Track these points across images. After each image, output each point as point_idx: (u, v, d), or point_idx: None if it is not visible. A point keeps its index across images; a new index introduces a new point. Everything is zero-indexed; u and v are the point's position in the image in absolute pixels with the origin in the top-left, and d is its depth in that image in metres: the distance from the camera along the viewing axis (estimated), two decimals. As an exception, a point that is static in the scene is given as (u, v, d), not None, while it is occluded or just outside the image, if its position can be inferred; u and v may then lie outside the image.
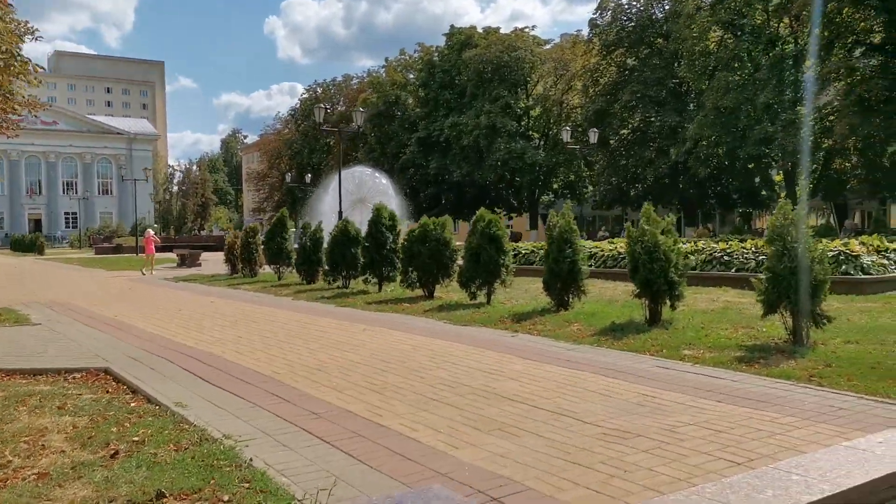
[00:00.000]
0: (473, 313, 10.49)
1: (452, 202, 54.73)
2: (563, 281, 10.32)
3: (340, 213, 24.83)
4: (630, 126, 41.66)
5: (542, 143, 52.01)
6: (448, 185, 53.63)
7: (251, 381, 6.35)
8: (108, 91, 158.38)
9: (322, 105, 26.36)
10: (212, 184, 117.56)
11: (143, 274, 23.01)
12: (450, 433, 4.77)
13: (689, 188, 39.13)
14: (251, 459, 4.18)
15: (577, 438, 4.62)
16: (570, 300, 10.48)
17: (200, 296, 14.81)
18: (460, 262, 12.54)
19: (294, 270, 17.96)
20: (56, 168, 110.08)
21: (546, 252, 10.66)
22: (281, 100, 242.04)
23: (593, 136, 33.91)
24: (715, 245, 15.17)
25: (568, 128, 36.19)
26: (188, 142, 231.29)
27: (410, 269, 12.93)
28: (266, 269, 19.52)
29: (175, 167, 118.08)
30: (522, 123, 51.90)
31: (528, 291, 13.70)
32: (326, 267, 15.85)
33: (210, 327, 9.80)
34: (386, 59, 61.51)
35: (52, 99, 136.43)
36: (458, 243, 13.81)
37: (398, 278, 13.30)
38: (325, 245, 16.85)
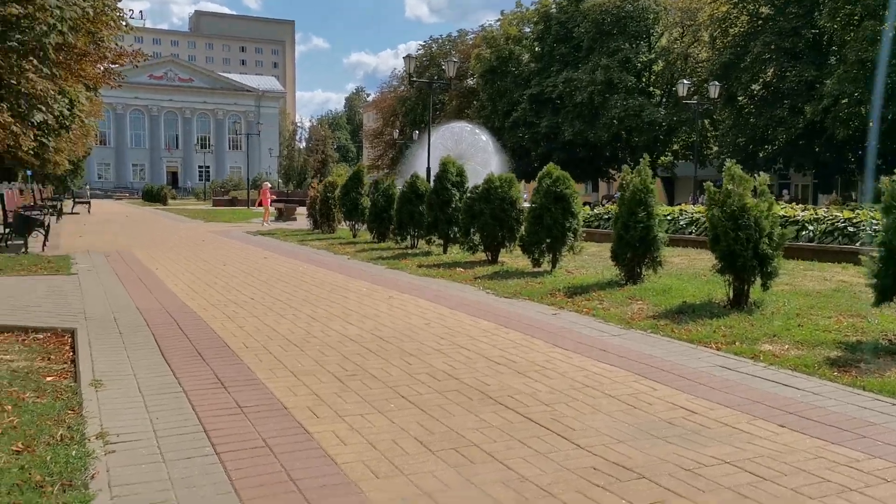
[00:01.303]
0: (527, 283, 9.12)
1: (563, 162, 52.32)
2: (633, 250, 8.74)
3: (429, 170, 23.74)
4: (761, 81, 37.75)
5: (663, 100, 48.64)
6: (559, 145, 51.32)
7: (209, 357, 5.37)
8: (243, 50, 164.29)
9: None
10: (333, 141, 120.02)
11: (264, 225, 22.99)
12: (387, 450, 3.55)
13: (826, 151, 35.13)
14: (93, 476, 3.15)
15: (552, 474, 3.29)
16: (643, 273, 8.90)
17: (261, 250, 14.19)
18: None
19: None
20: (191, 123, 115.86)
21: (615, 216, 9.08)
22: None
23: (714, 91, 30.93)
24: (838, 214, 12.89)
25: (686, 81, 33.14)
26: (319, 101, 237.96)
27: (472, 229, 11.65)
28: (345, 226, 18.81)
29: (299, 124, 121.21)
30: (643, 79, 48.66)
31: (605, 260, 12.13)
32: (396, 226, 14.83)
33: (236, 286, 8.99)
34: (501, 13, 59.34)
35: (192, 58, 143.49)
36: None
37: (461, 238, 12.06)
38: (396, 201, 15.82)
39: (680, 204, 50.20)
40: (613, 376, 4.96)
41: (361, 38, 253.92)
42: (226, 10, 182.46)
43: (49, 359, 5.37)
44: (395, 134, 61.50)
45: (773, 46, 35.22)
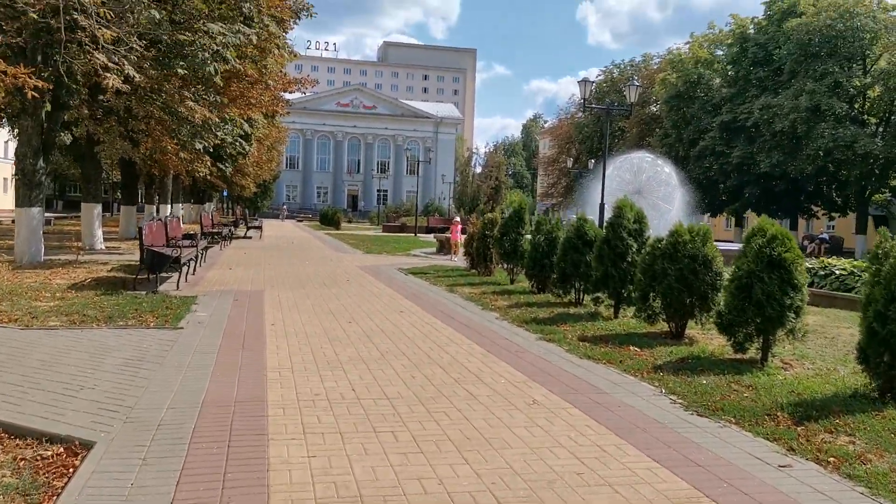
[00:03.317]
0: (730, 385, 6.57)
1: (757, 196, 47.30)
2: (893, 352, 5.97)
3: (602, 206, 21.26)
4: None
5: (879, 129, 42.43)
6: (753, 177, 46.35)
7: (232, 527, 3.50)
8: (426, 78, 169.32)
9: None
10: (508, 167, 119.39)
11: (452, 259, 22.16)
12: None
13: None
14: None
15: None
16: (908, 385, 6.07)
17: (402, 300, 12.49)
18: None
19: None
20: (373, 148, 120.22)
21: (866, 298, 6.32)
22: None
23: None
24: None
25: None
26: (497, 126, 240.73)
27: (651, 294, 9.19)
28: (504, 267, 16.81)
29: (474, 150, 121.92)
30: (856, 106, 42.76)
31: (834, 341, 9.20)
32: (557, 276, 12.60)
33: (344, 362, 7.23)
34: (691, 35, 55.19)
35: (378, 86, 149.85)
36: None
37: (637, 304, 9.62)
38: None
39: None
40: None
41: (542, 64, 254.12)
42: (413, 41, 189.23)
43: (26, 494, 3.76)
44: (570, 162, 58.96)
45: None
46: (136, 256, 12.51)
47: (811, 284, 12.71)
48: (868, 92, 42.67)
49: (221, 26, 16.36)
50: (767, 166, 43.22)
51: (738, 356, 7.79)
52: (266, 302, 11.47)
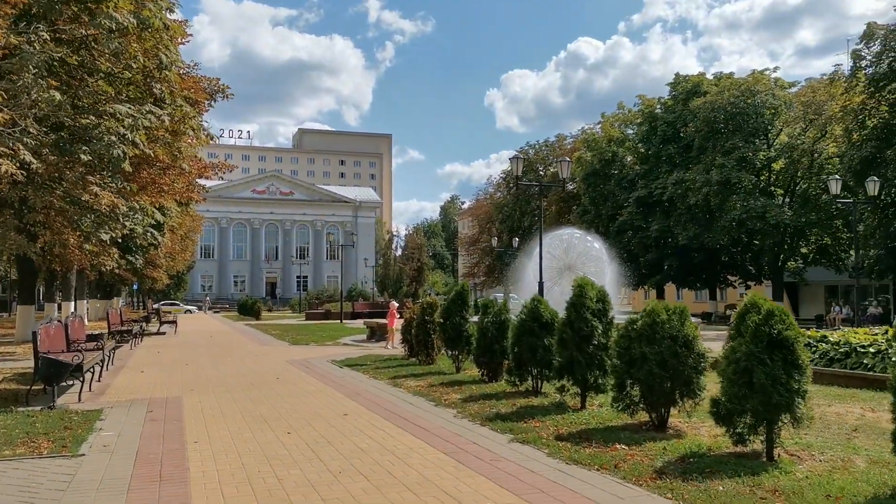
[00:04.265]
0: (752, 490, 5.62)
1: (676, 268, 48.20)
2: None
3: (541, 284, 20.59)
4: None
5: (786, 199, 44.24)
6: (671, 250, 47.32)
7: None
8: (342, 163, 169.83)
9: (520, 156, 22.49)
10: (429, 249, 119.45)
11: (387, 348, 20.72)
12: None
13: None
14: None
15: None
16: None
17: (343, 399, 11.16)
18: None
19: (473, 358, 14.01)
20: (291, 234, 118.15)
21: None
22: (499, 167, 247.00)
23: (873, 188, 26.83)
24: None
25: (838, 178, 28.95)
26: (414, 209, 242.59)
27: (629, 381, 8.27)
28: (446, 354, 15.69)
29: (395, 233, 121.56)
30: (762, 178, 44.57)
31: (827, 424, 8.44)
32: (513, 363, 11.59)
33: (291, 489, 5.92)
34: (602, 115, 57.14)
35: (294, 172, 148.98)
36: (705, 335, 8.96)
37: (610, 392, 8.66)
38: (510, 330, 12.67)
39: (815, 315, 44.71)
40: None
41: (454, 149, 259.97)
42: (327, 128, 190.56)
43: None
44: (494, 241, 58.98)
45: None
46: (33, 363, 10.82)
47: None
48: (773, 165, 44.62)
49: (129, 108, 15.14)
50: (685, 239, 44.16)
51: (739, 449, 6.90)
52: (185, 411, 9.94)
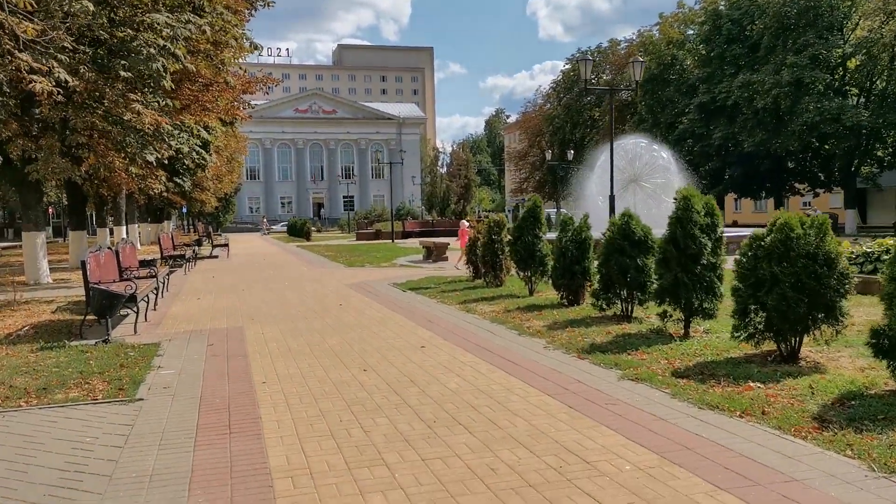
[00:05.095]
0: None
1: (739, 177, 45.93)
2: None
3: (612, 197, 19.24)
4: None
5: (861, 100, 41.24)
6: (735, 157, 44.97)
7: None
8: (383, 80, 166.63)
9: (588, 58, 20.70)
10: (475, 165, 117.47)
11: (457, 268, 19.61)
12: None
13: None
14: None
15: None
16: None
17: (416, 327, 10.26)
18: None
19: (550, 282, 12.96)
20: (335, 154, 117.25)
21: None
22: (543, 79, 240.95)
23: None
24: None
25: None
26: (457, 125, 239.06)
27: (753, 306, 7.10)
28: (517, 275, 14.67)
29: (440, 149, 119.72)
30: (836, 77, 41.52)
31: None
32: (596, 284, 10.49)
33: (377, 442, 5.04)
34: (660, 15, 53.73)
35: (336, 90, 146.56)
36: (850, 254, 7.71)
37: (733, 319, 7.49)
38: (592, 249, 11.54)
39: (893, 222, 42.08)
40: None
41: (497, 61, 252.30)
42: (366, 43, 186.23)
43: None
44: (549, 154, 56.97)
45: None
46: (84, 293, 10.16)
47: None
48: (848, 63, 41.48)
49: (168, 17, 13.96)
50: (751, 146, 41.81)
51: (902, 387, 5.77)
52: (249, 344, 9.17)
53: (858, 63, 41.06)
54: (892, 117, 37.77)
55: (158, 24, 13.68)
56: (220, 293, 15.49)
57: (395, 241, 42.82)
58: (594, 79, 66.11)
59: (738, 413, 5.43)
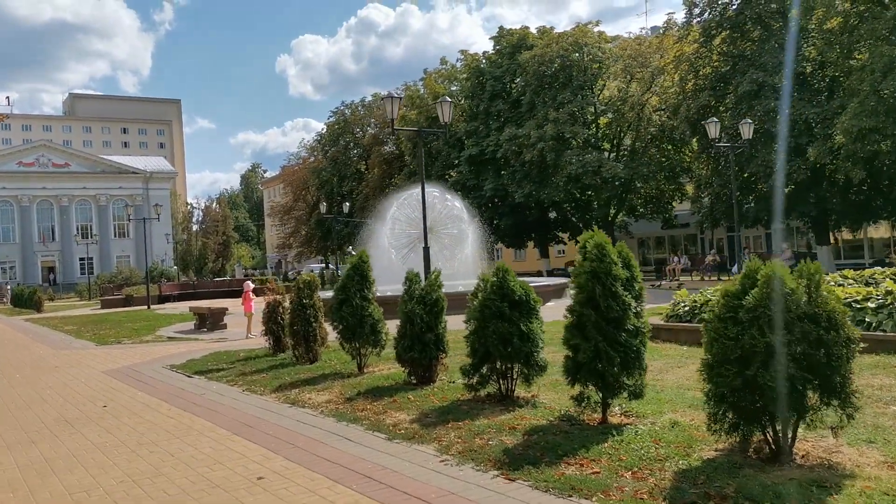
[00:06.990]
0: None
1: (511, 227, 47.10)
2: None
3: (426, 250, 17.27)
4: (753, 121, 33.00)
5: (612, 155, 44.33)
6: (507, 208, 46.05)
7: None
8: (125, 132, 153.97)
9: (394, 95, 18.78)
10: (233, 220, 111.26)
11: (248, 337, 16.79)
12: None
13: (832, 197, 31.15)
14: None
15: None
16: None
17: (233, 440, 7.19)
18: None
19: (381, 353, 10.61)
20: (69, 212, 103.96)
21: None
22: (295, 135, 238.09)
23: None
24: None
25: (715, 120, 27.63)
26: (207, 181, 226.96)
27: (732, 391, 5.27)
28: (330, 339, 12.02)
29: (194, 205, 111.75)
30: (591, 132, 44.30)
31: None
32: (470, 358, 8.25)
33: None
34: (425, 71, 54.39)
35: (68, 142, 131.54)
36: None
37: (707, 407, 5.60)
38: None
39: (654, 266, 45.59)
40: None
41: (247, 117, 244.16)
42: (103, 94, 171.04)
43: None
44: (323, 207, 54.28)
45: (758, 83, 31.22)
46: None
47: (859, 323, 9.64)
48: (599, 120, 44.46)
49: None
50: (521, 196, 42.88)
51: None
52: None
53: (608, 120, 44.18)
54: (643, 170, 40.73)
55: None
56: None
57: (152, 307, 37.40)
58: (359, 132, 65.42)
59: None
